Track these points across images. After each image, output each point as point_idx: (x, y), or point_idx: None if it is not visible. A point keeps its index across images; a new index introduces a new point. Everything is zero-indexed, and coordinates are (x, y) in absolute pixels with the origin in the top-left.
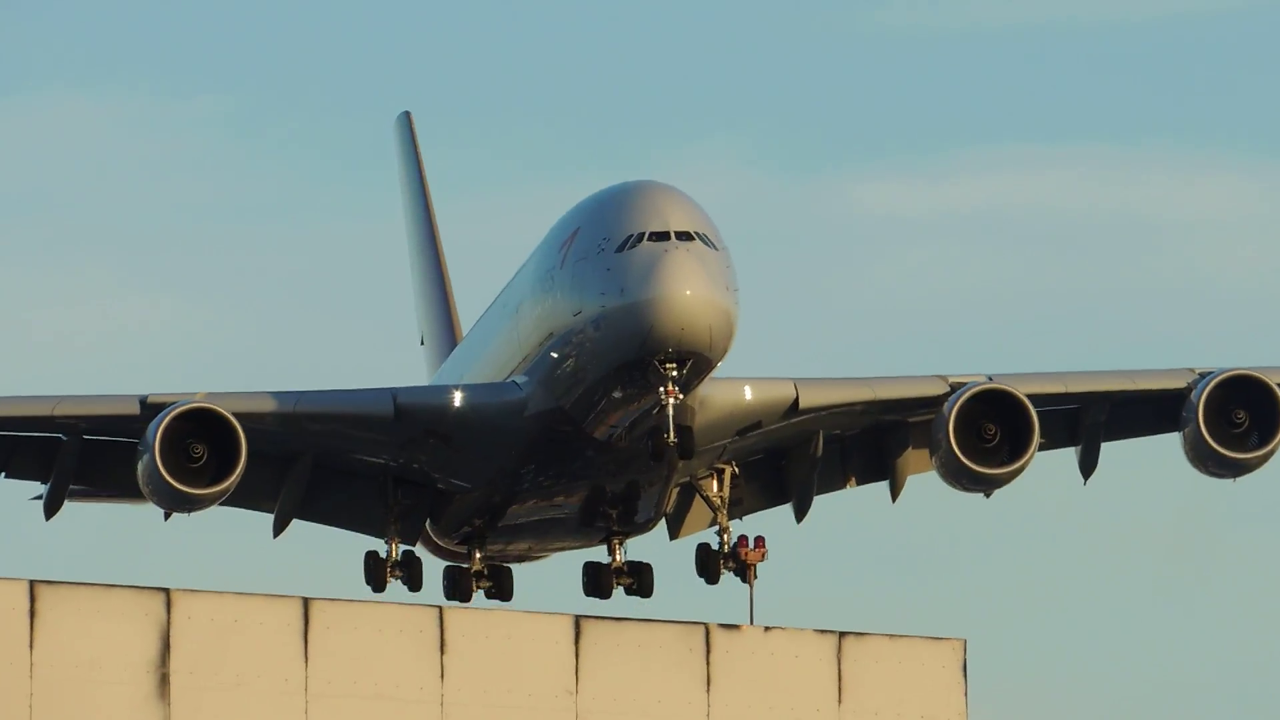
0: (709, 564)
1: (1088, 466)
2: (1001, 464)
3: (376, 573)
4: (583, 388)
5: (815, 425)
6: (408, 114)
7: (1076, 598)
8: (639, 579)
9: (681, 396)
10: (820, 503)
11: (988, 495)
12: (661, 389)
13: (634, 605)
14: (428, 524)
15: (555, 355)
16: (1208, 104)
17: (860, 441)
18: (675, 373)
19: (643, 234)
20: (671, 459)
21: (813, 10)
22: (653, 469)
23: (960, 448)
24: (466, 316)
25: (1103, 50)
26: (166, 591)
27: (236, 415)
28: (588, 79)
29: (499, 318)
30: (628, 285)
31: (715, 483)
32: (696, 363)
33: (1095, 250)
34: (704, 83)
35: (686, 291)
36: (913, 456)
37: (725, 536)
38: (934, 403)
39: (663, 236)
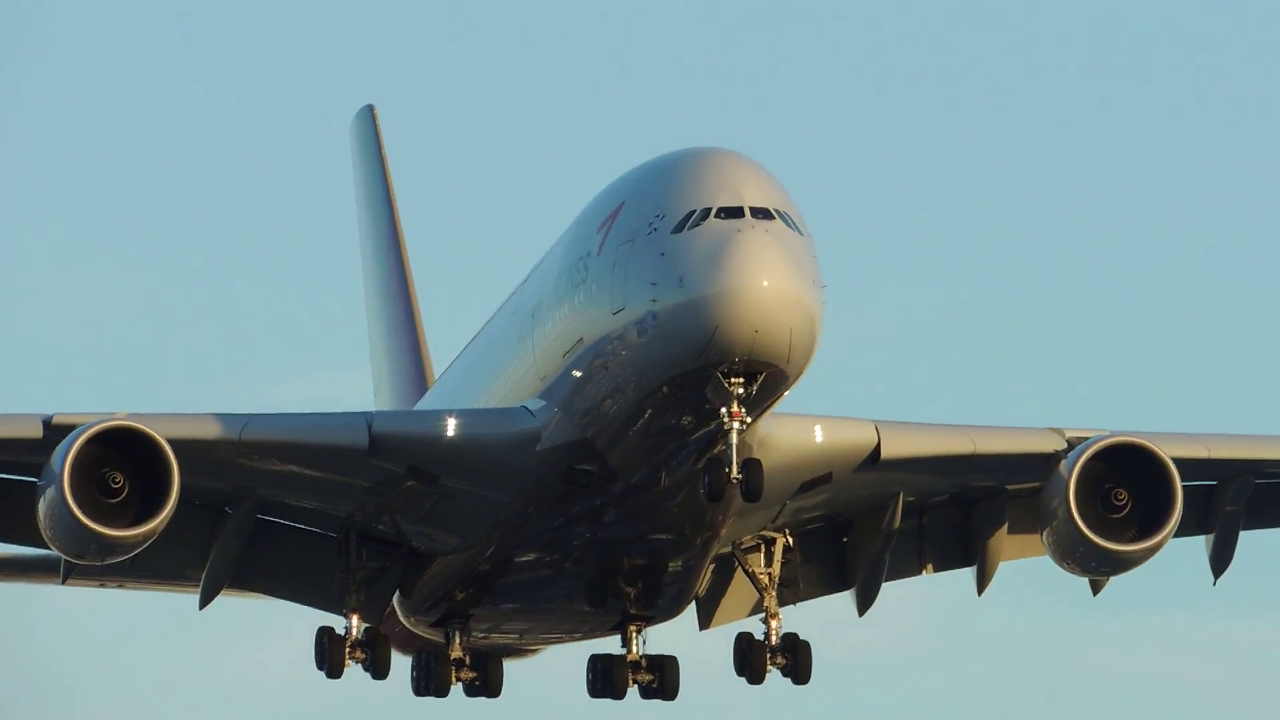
0: (753, 658)
1: (1221, 560)
2: (1132, 540)
3: (333, 654)
4: (618, 412)
5: (895, 485)
6: (371, 108)
7: None
8: (661, 676)
9: (749, 421)
10: (889, 591)
11: (1096, 590)
12: (724, 410)
13: (654, 710)
14: (395, 598)
15: (584, 370)
16: None
17: (943, 515)
18: (742, 390)
19: (709, 210)
20: (729, 502)
21: None
22: (692, 529)
23: (1082, 516)
24: (439, 356)
25: None
26: None
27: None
28: (596, 73)
29: (507, 327)
30: (688, 274)
31: (763, 556)
32: (770, 378)
33: None
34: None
35: (764, 283)
36: (1008, 538)
37: (774, 625)
38: (1044, 463)
39: (735, 213)
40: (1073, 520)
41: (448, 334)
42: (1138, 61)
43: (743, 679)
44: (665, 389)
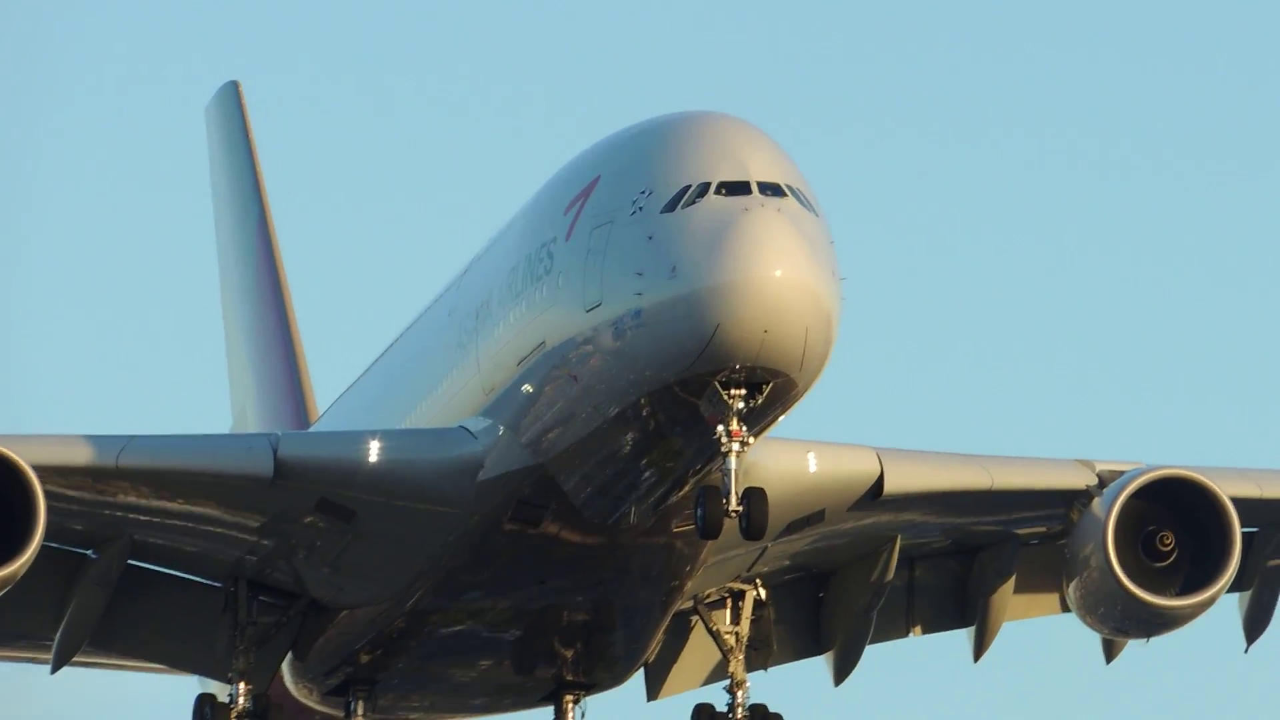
0: None
1: (1257, 622)
2: (1176, 593)
3: None
4: (585, 432)
5: (892, 528)
6: (235, 85)
7: None
8: None
9: (751, 441)
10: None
11: (1111, 655)
12: (721, 428)
13: None
14: (286, 661)
15: (543, 380)
16: None
17: (938, 566)
18: (743, 403)
19: (707, 184)
20: (707, 542)
21: None
22: (657, 579)
23: (1122, 565)
24: (323, 375)
25: None
26: None
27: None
28: (511, 34)
29: (441, 331)
30: (682, 262)
31: (729, 612)
32: (777, 389)
33: None
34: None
35: (775, 272)
36: (1012, 597)
37: (740, 695)
38: (1068, 501)
39: (740, 189)
40: (1111, 570)
41: (332, 348)
42: (1179, 77)
43: None
44: (647, 402)
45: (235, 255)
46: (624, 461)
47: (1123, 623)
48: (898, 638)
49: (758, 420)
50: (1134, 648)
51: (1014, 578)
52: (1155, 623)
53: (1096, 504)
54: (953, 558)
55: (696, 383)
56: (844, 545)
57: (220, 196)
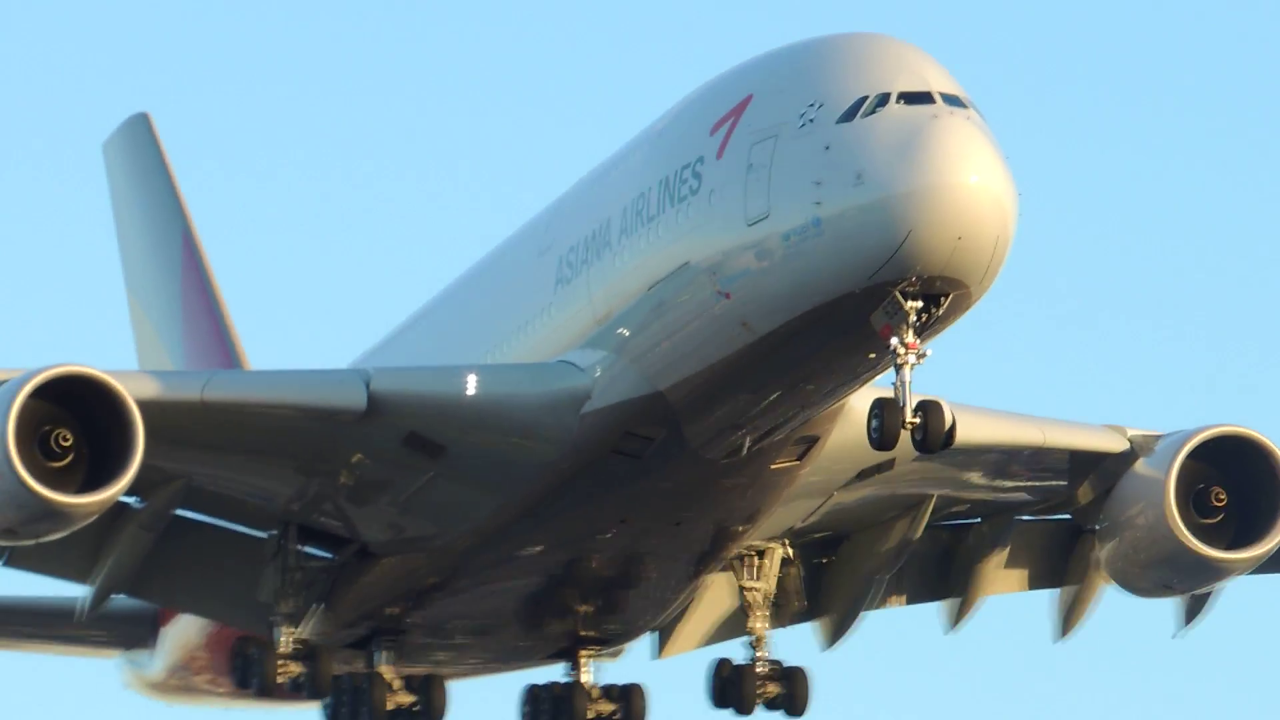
0: (742, 686)
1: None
2: (1230, 547)
3: (264, 668)
4: (724, 353)
5: (933, 485)
6: (145, 116)
7: None
8: (627, 708)
9: (929, 354)
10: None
11: (1067, 629)
12: (896, 341)
13: None
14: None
15: (676, 300)
16: None
17: (931, 534)
18: (920, 316)
19: (887, 95)
20: (791, 480)
21: None
22: (734, 521)
23: (1184, 520)
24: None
25: None
26: None
27: None
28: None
29: (531, 270)
30: (870, 169)
31: (756, 569)
32: (955, 301)
33: None
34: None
35: (973, 178)
36: (996, 570)
37: (761, 651)
38: (1094, 465)
39: (921, 99)
40: (1167, 523)
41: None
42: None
43: (732, 710)
44: (813, 316)
45: (158, 304)
46: (763, 384)
47: (1170, 577)
48: (879, 607)
49: (929, 334)
50: (1092, 630)
51: (1008, 550)
52: (1206, 575)
53: (1142, 464)
54: (946, 528)
55: (874, 294)
56: (880, 503)
57: (133, 236)
